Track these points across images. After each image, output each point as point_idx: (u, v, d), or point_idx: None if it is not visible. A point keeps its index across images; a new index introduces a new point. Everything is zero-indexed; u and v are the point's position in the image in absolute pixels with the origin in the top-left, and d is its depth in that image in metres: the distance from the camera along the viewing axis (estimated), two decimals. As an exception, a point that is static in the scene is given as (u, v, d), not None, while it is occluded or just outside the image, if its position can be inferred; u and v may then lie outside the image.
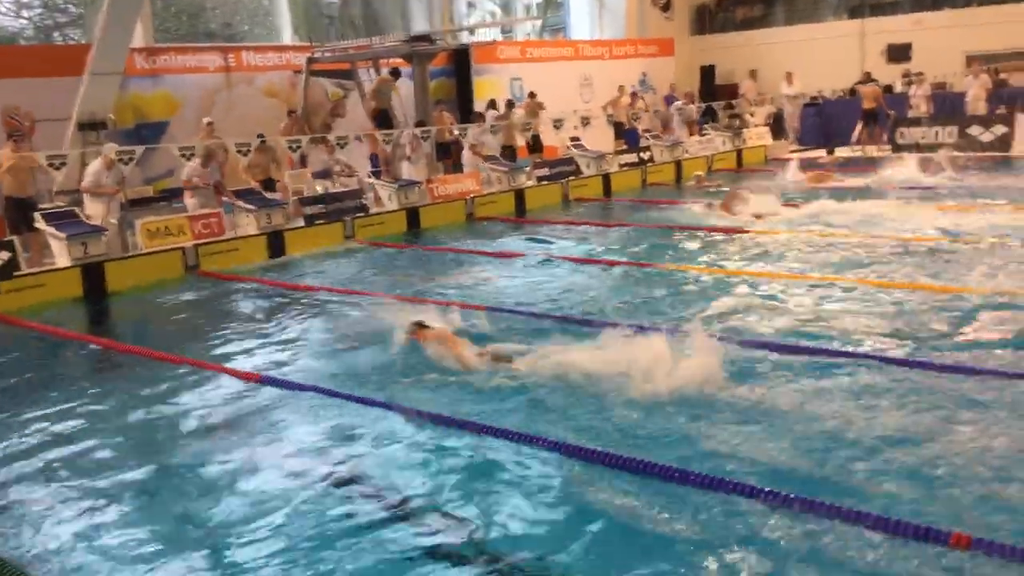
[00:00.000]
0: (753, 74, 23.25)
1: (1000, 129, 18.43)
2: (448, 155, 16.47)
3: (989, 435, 4.69)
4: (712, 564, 3.69)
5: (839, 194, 13.69)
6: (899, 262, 8.98)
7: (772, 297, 7.83)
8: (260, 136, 13.62)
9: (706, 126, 21.53)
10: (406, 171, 15.22)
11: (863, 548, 3.71)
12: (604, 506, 4.21)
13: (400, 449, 5.05)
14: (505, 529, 4.08)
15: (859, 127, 19.92)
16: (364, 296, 9.10)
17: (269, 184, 13.66)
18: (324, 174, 15.13)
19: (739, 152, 20.46)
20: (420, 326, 6.66)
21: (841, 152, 20.07)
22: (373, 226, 13.42)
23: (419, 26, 19.49)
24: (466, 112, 19.45)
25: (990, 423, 4.84)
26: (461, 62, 20.01)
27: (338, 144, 14.77)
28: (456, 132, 16.47)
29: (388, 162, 15.47)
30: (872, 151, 19.63)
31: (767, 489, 4.13)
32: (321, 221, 12.99)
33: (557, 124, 17.41)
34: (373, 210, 13.82)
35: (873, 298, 7.60)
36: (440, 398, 5.78)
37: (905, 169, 15.64)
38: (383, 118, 16.39)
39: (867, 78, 21.22)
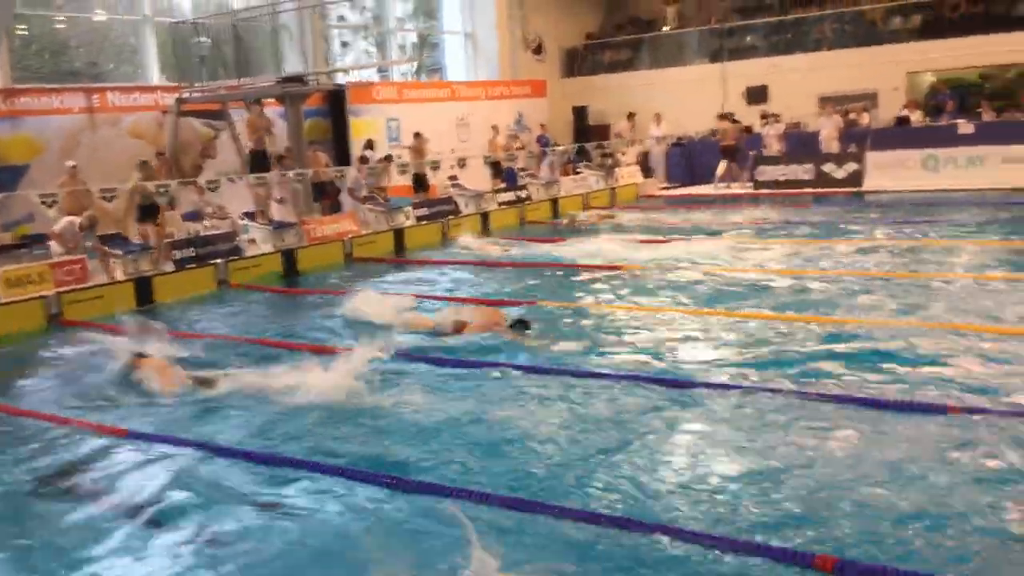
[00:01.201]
0: (631, 116, 24.01)
1: (852, 166, 19.62)
2: (325, 195, 16.31)
3: (820, 454, 4.94)
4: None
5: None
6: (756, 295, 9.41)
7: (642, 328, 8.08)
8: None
9: (580, 165, 22.10)
10: (276, 213, 14.96)
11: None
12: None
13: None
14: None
15: (722, 165, 20.83)
16: (226, 342, 8.89)
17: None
18: (195, 216, 14.73)
19: (612, 190, 21.09)
20: (139, 356, 7.61)
21: (705, 190, 20.97)
22: (248, 269, 13.13)
23: (292, 66, 19.29)
24: (342, 152, 19.34)
25: (819, 443, 5.10)
26: (336, 102, 19.92)
27: (208, 187, 14.43)
28: (333, 173, 16.36)
29: (262, 204, 15.19)
30: (735, 187, 20.59)
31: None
32: (192, 265, 12.62)
33: (434, 165, 17.53)
34: (248, 253, 13.53)
35: (730, 328, 7.92)
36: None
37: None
38: (258, 159, 16.11)
39: (725, 117, 22.22)
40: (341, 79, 20.00)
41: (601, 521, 4.32)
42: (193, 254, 12.76)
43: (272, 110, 17.31)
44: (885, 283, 9.55)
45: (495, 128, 21.66)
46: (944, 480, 4.53)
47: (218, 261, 12.87)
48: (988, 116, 20.32)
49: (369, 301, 9.53)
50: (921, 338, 7.08)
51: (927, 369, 6.37)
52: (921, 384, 6.03)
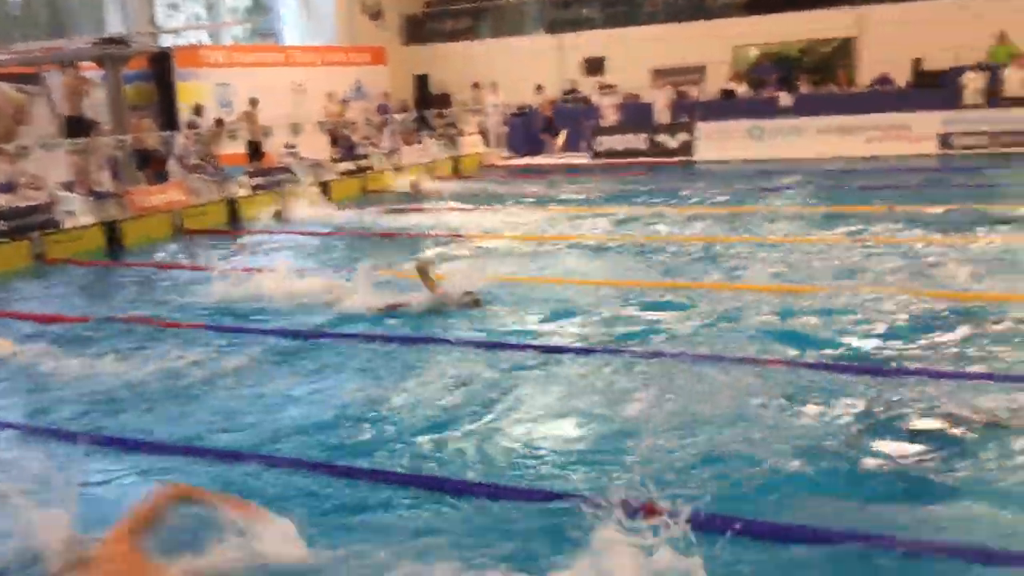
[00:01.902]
0: (476, 86, 23.94)
1: (683, 136, 20.36)
2: (150, 164, 15.47)
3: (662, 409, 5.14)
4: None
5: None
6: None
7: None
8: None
9: (422, 135, 21.94)
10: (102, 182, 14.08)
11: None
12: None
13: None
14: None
15: (562, 135, 21.18)
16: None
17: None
18: (7, 187, 13.65)
19: (455, 160, 21.06)
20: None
21: (547, 159, 21.28)
22: (67, 242, 12.30)
23: (115, 29, 18.13)
24: (169, 119, 18.39)
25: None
26: (162, 66, 18.88)
27: (19, 154, 13.41)
28: (158, 140, 15.54)
29: (82, 173, 14.24)
30: (576, 157, 21.00)
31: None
32: (3, 240, 11.70)
33: (266, 131, 16.95)
34: (67, 225, 12.67)
35: (576, 294, 8.09)
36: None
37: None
38: (76, 125, 15.08)
39: (541, 88, 22.59)
40: (167, 42, 18.97)
41: (437, 485, 4.33)
42: (4, 227, 11.83)
43: (92, 74, 16.22)
44: (713, 247, 9.96)
45: (330, 96, 21.14)
46: (781, 426, 4.77)
47: (33, 234, 12.00)
48: (807, 89, 21.53)
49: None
50: (750, 297, 7.43)
51: (755, 325, 6.68)
52: (751, 340, 6.32)
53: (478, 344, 6.59)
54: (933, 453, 4.38)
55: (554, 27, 25.31)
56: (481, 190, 16.77)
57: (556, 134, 21.94)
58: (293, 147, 18.16)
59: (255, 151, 17.51)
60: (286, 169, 16.79)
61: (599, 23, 25.02)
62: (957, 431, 4.59)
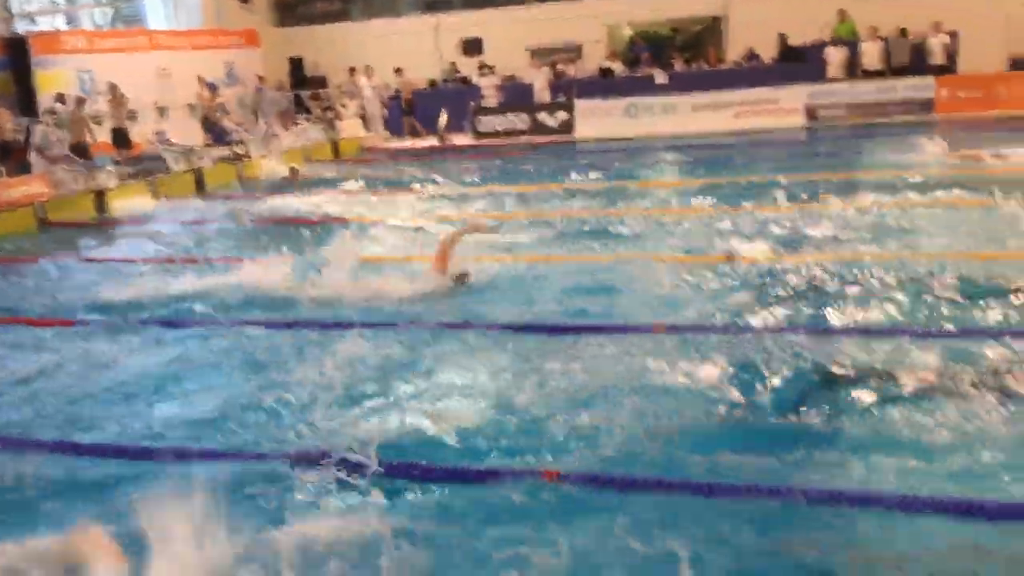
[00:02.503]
0: (353, 70, 23.51)
1: (563, 115, 20.60)
2: (9, 155, 14.61)
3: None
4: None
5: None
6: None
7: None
8: None
9: (300, 118, 21.47)
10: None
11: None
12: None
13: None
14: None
15: (443, 116, 21.06)
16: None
17: None
18: None
19: (335, 143, 20.70)
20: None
21: (428, 142, 21.16)
22: (-82, 241, 11.53)
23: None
24: (29, 109, 17.41)
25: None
26: (18, 53, 17.86)
27: None
28: (15, 129, 14.69)
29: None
30: (458, 138, 20.95)
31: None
32: None
33: (131, 115, 16.23)
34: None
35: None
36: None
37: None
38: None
39: (399, 71, 22.48)
40: (23, 27, 17.93)
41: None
42: None
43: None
44: (593, 222, 10.12)
45: (201, 80, 20.42)
46: (650, 391, 4.90)
47: None
48: (679, 67, 22.08)
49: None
50: (628, 268, 7.60)
51: (635, 296, 6.84)
52: (641, 308, 6.46)
53: (378, 325, 6.50)
54: (811, 406, 4.58)
55: (430, 8, 25.12)
56: (362, 173, 16.54)
57: (415, 116, 21.95)
58: (163, 134, 17.49)
59: (120, 139, 16.76)
60: (157, 157, 16.13)
61: (476, 3, 24.95)
62: (833, 383, 4.82)
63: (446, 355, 5.74)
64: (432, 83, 23.57)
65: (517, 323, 6.30)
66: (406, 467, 4.21)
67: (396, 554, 3.43)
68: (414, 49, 23.97)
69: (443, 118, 20.92)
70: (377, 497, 3.95)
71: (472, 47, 24.28)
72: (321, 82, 24.97)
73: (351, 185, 14.56)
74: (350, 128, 21.69)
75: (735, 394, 4.77)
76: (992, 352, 5.01)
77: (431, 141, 21.07)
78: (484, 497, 3.93)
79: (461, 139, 21.01)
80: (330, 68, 25.08)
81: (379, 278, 7.69)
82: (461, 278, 7.34)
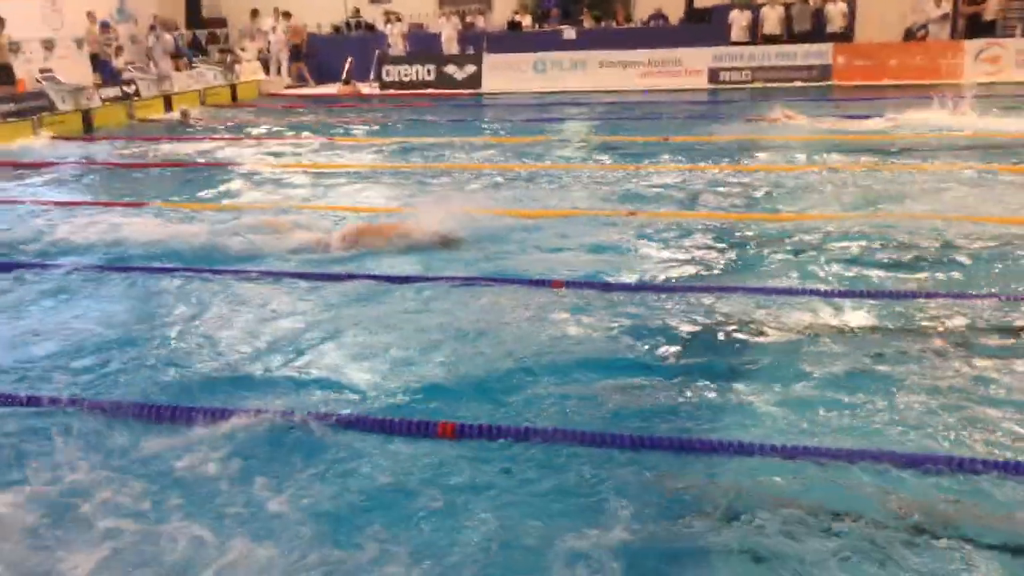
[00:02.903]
0: (255, 13, 22.63)
1: (471, 68, 20.35)
2: None
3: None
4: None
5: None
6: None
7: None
8: None
9: (196, 60, 20.63)
10: None
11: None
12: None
13: None
14: None
15: (349, 61, 20.56)
16: None
17: None
18: None
19: (233, 87, 20.00)
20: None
21: (330, 89, 20.65)
22: None
23: None
24: None
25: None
26: None
27: None
28: None
29: None
30: (364, 87, 20.50)
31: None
32: None
33: (14, 48, 15.28)
34: None
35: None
36: None
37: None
38: None
39: (288, 15, 21.93)
40: None
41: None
42: None
43: None
44: (500, 175, 10.07)
45: (90, 16, 19.36)
46: (546, 345, 4.92)
47: None
48: (588, 23, 22.06)
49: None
50: (531, 223, 7.58)
51: (543, 248, 6.83)
52: (530, 265, 6.45)
53: (280, 274, 6.32)
54: (695, 358, 4.68)
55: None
56: (257, 119, 16.06)
57: (305, 63, 21.45)
58: (49, 71, 16.56)
59: (4, 75, 15.78)
60: (41, 94, 15.27)
61: (384, -52, 24.33)
62: (718, 338, 4.93)
63: (335, 308, 5.64)
64: (336, 29, 22.94)
65: (415, 274, 6.23)
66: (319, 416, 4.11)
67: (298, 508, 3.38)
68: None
69: (348, 66, 20.44)
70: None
71: (379, -6, 23.72)
72: (220, 23, 24.02)
73: (245, 130, 14.10)
74: (250, 72, 20.98)
75: (630, 348, 4.83)
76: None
77: (333, 89, 20.56)
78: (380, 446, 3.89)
79: (366, 88, 20.56)
80: (229, 9, 24.12)
81: (264, 227, 7.46)
82: (447, 240, 6.94)
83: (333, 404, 4.30)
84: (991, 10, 19.10)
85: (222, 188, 9.89)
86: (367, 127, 14.73)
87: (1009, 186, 8.45)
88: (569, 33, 21.11)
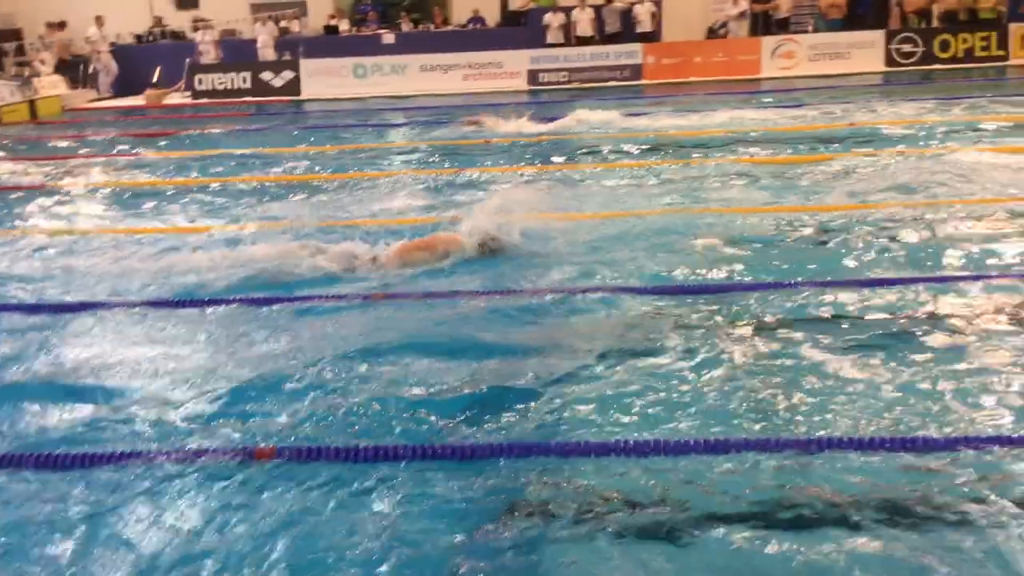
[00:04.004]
0: (61, 25, 21.23)
1: (289, 74, 19.92)
2: None
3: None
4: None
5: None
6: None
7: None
8: None
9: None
10: None
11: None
12: None
13: None
14: None
15: (158, 71, 19.71)
16: None
17: None
18: None
19: (31, 103, 18.71)
20: None
21: (140, 100, 19.70)
22: None
23: None
24: None
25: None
26: None
27: None
28: None
29: None
30: (175, 97, 19.68)
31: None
32: None
33: None
34: None
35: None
36: None
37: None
38: None
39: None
40: None
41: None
42: None
43: None
44: (316, 185, 9.91)
45: None
46: (364, 360, 4.87)
47: None
48: (407, 27, 22.03)
49: None
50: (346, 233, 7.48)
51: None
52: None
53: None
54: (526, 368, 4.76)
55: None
56: (56, 137, 15.11)
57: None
58: None
59: None
60: None
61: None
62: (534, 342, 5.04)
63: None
64: (138, 39, 21.86)
65: (216, 295, 5.99)
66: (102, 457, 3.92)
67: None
68: (118, 1, 22.07)
69: (155, 77, 19.57)
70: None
71: (186, 0, 22.79)
72: (15, 34, 22.44)
73: (42, 149, 13.26)
74: (50, 86, 19.72)
75: (452, 359, 4.85)
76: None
77: (142, 100, 19.63)
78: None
79: (177, 98, 19.75)
80: (24, 20, 22.59)
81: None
82: (485, 247, 6.51)
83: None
84: (784, 7, 20.45)
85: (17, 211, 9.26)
86: (177, 137, 14.13)
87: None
88: (388, 37, 21.04)
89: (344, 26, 22.10)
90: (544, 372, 4.58)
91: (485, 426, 4.11)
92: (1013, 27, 18.79)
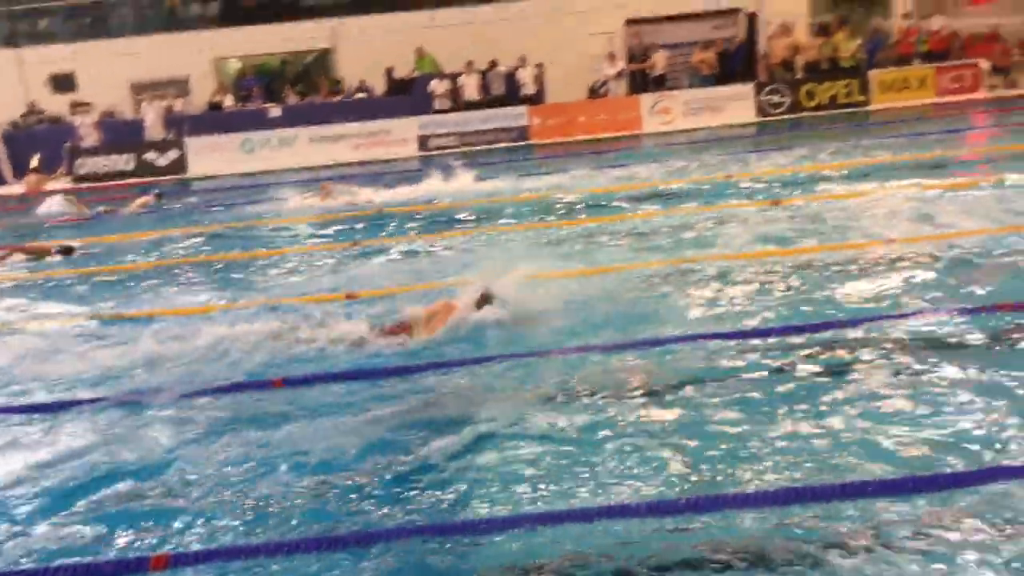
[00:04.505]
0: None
1: (174, 153, 19.64)
2: None
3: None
4: None
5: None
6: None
7: None
8: None
9: None
10: None
11: None
12: None
13: None
14: None
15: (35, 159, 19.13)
16: None
17: None
18: None
19: None
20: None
21: (13, 188, 19.06)
22: None
23: None
24: None
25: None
26: None
27: None
28: None
29: None
30: (54, 183, 19.10)
31: None
32: None
33: None
34: None
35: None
36: None
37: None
38: None
39: None
40: None
41: None
42: None
43: None
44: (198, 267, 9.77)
45: None
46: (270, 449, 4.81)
47: None
48: (292, 100, 22.04)
49: None
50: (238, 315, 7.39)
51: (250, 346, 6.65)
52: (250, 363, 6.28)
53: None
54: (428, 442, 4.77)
55: (12, 41, 22.67)
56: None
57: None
58: None
59: None
60: None
61: (65, 36, 23.00)
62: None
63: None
64: (14, 126, 21.22)
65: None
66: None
67: None
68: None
69: (34, 162, 18.98)
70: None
71: (63, 83, 22.30)
72: None
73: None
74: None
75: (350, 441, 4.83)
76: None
77: (21, 188, 18.98)
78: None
79: (59, 183, 19.17)
80: None
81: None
82: (484, 300, 6.46)
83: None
84: (659, 66, 21.32)
85: None
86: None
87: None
88: (274, 111, 20.99)
89: (229, 102, 21.96)
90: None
91: (391, 508, 4.11)
92: (872, 73, 20.03)
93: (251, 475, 4.52)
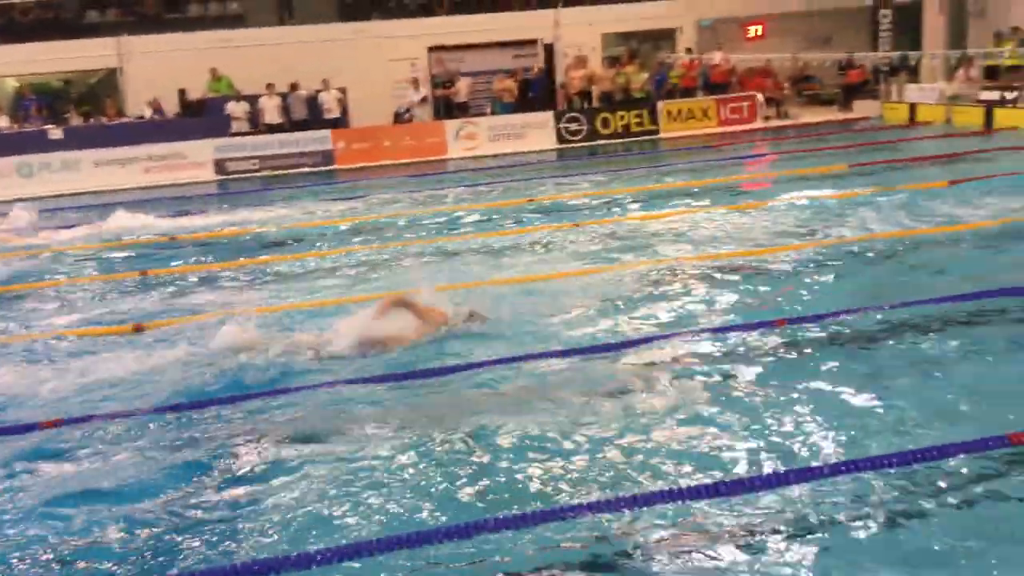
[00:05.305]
0: None
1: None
2: None
3: None
4: None
5: None
6: None
7: None
8: None
9: None
10: None
11: None
12: None
13: None
14: None
15: None
16: None
17: None
18: None
19: None
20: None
21: None
22: None
23: None
24: None
25: None
26: None
27: None
28: None
29: None
30: None
31: None
32: None
33: None
34: None
35: None
36: None
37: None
38: None
39: None
40: None
41: None
42: None
43: None
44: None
45: None
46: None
47: None
48: (76, 121, 20.65)
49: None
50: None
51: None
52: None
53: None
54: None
55: None
56: None
57: None
58: None
59: None
60: None
61: None
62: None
63: None
64: None
65: None
66: None
67: None
68: None
69: None
70: None
71: None
72: None
73: None
74: None
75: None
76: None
77: None
78: None
79: None
80: None
81: None
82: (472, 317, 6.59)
83: None
84: (463, 93, 21.63)
85: None
86: None
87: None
88: (56, 132, 19.54)
89: (4, 122, 20.27)
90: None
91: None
92: (661, 104, 21.20)
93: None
